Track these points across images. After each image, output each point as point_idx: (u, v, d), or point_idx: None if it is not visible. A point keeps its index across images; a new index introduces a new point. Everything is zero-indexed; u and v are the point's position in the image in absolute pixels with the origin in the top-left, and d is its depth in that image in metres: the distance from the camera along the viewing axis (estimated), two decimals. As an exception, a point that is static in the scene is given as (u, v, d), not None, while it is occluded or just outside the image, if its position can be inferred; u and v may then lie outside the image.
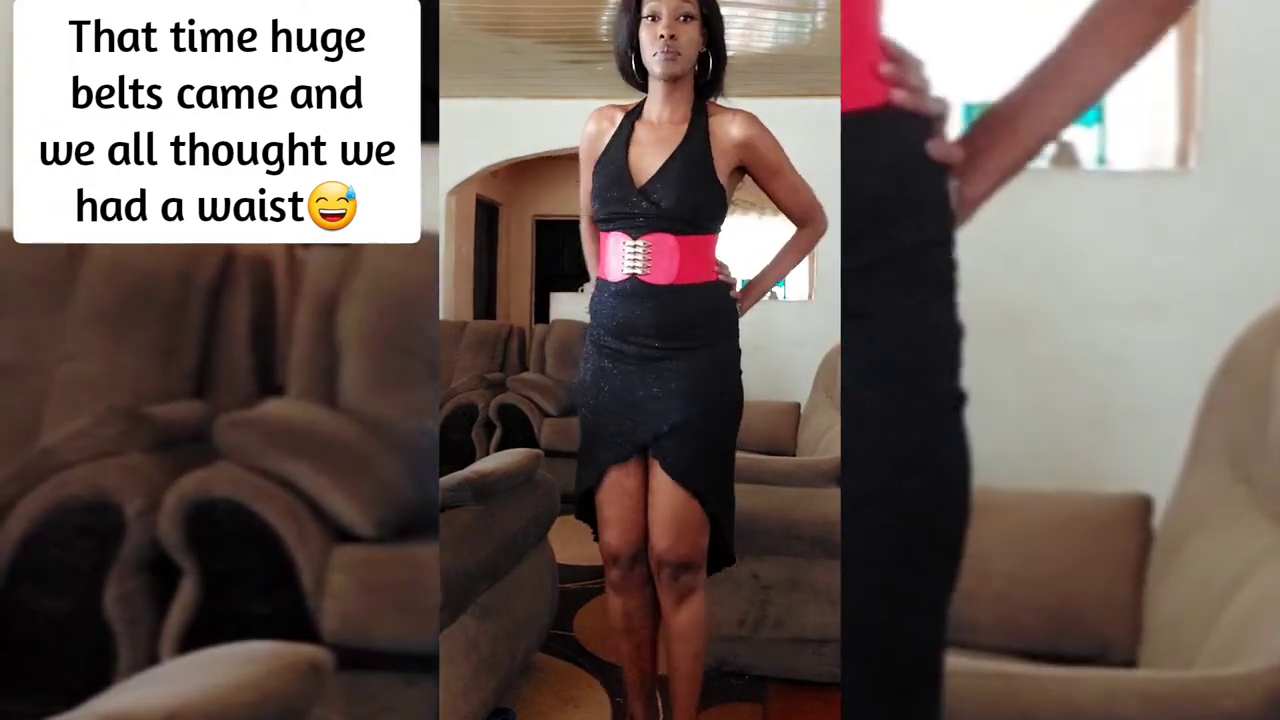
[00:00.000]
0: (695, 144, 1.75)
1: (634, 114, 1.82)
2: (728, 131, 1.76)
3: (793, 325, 5.43)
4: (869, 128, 0.81)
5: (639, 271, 1.74)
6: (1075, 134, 2.81)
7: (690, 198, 1.74)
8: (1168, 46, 2.74)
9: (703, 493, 1.79)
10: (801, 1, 4.22)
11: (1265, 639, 1.20)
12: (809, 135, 5.31)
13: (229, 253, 2.40)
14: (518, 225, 8.84)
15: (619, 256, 1.76)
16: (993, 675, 1.05)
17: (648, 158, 1.77)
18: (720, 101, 1.84)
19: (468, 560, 1.97)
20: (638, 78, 1.81)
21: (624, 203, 1.75)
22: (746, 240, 8.05)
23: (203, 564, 1.86)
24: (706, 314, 1.79)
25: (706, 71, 1.80)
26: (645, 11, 1.72)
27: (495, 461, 2.34)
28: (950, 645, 1.71)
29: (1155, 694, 1.03)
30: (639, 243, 1.74)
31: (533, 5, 4.30)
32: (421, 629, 1.80)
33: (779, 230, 7.61)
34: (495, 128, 5.96)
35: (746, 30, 4.53)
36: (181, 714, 0.88)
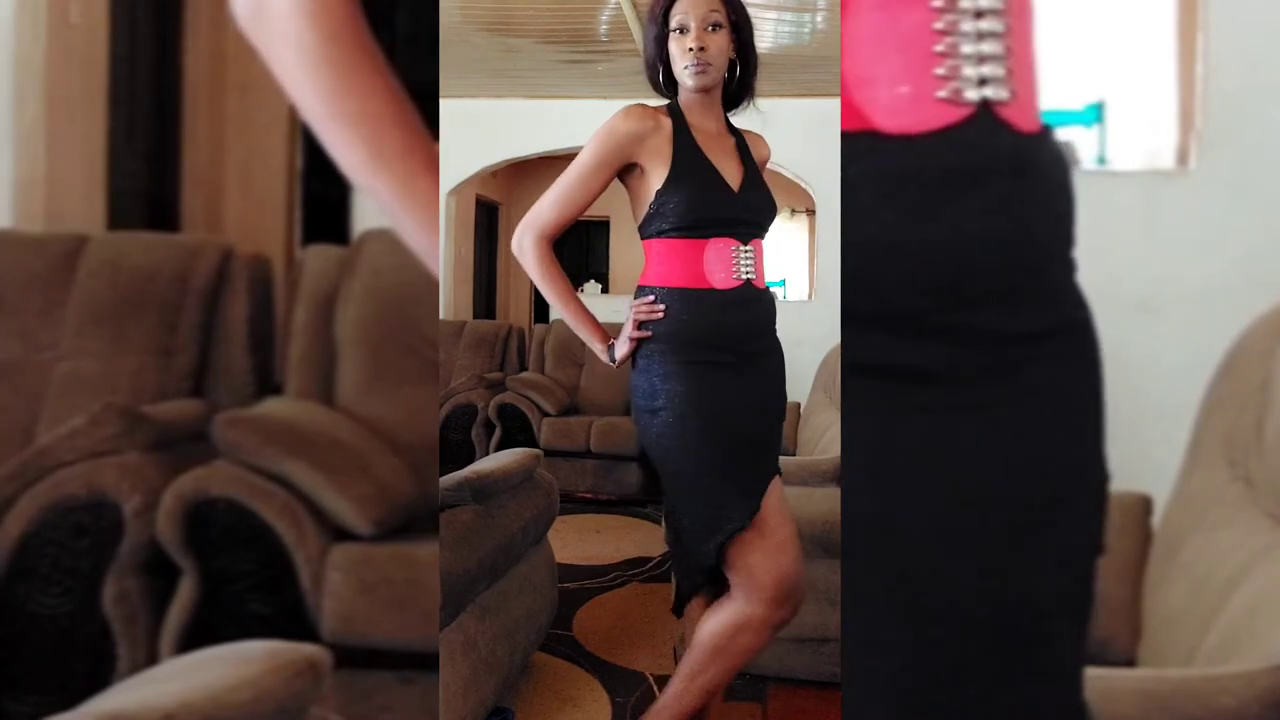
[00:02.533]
0: (750, 156, 1.76)
1: (680, 123, 1.71)
2: (758, 150, 1.78)
3: (793, 325, 5.43)
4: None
5: (753, 276, 1.69)
6: (1075, 134, 2.81)
7: (771, 207, 1.76)
8: (1168, 47, 2.74)
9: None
10: (801, 1, 4.22)
11: (1263, 637, 1.20)
12: (809, 135, 5.34)
13: (226, 252, 2.40)
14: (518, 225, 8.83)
15: (727, 262, 1.66)
16: (990, 674, 1.05)
17: (726, 166, 1.70)
18: (755, 105, 1.81)
19: (467, 560, 1.96)
20: (665, 89, 1.76)
21: (727, 208, 1.68)
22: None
23: (201, 563, 1.86)
24: (772, 316, 1.78)
25: (734, 79, 1.75)
26: (673, 24, 1.69)
27: (494, 461, 2.34)
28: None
29: (1153, 692, 1.03)
30: (750, 248, 1.69)
31: (532, 5, 4.30)
32: (421, 628, 1.80)
33: (779, 230, 7.60)
34: (495, 128, 5.97)
35: (746, 30, 4.53)
36: (180, 713, 0.87)
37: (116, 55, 3.05)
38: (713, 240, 1.66)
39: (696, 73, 1.67)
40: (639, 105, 1.70)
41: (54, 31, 2.89)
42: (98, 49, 3.00)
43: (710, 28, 1.67)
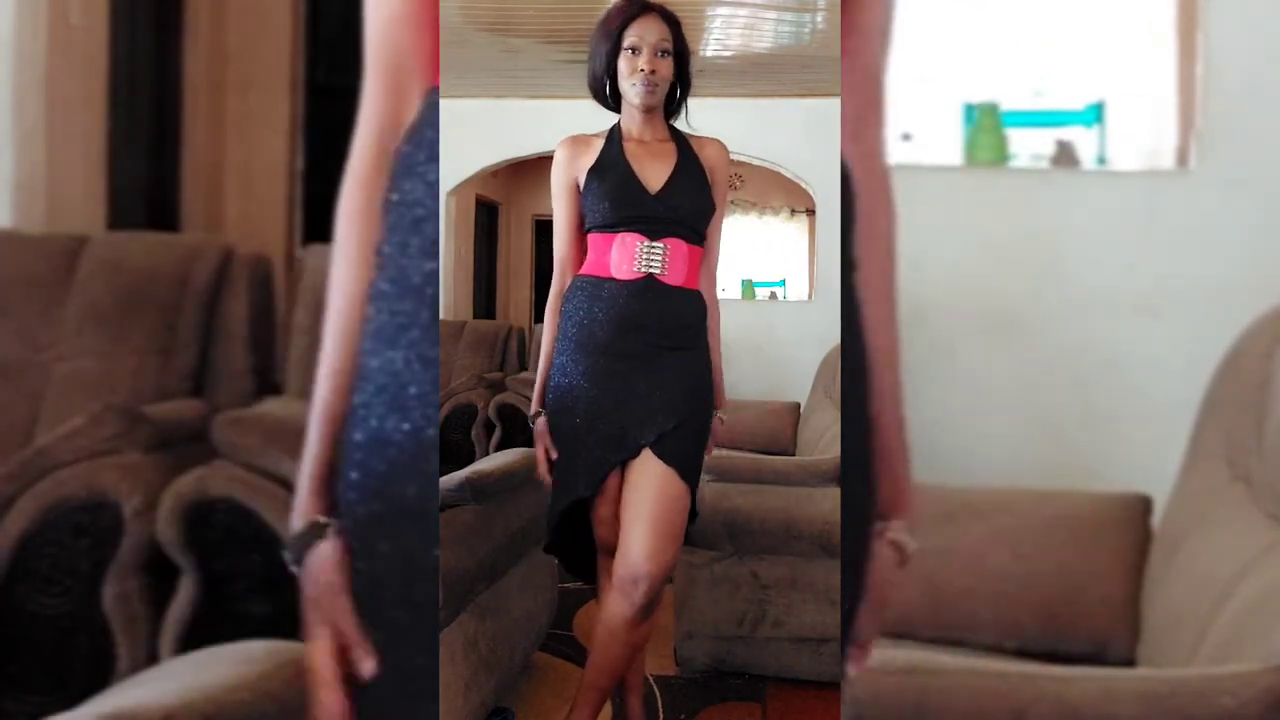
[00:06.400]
0: (691, 161, 1.86)
1: (614, 136, 1.88)
2: (704, 153, 1.88)
3: (793, 325, 5.43)
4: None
5: (657, 271, 1.81)
6: (1075, 134, 2.81)
7: (701, 208, 1.86)
8: (1168, 47, 2.74)
9: (693, 487, 1.82)
10: (801, 1, 4.22)
11: (1263, 637, 1.20)
12: (809, 135, 5.35)
13: (226, 252, 2.40)
14: (518, 225, 8.84)
15: (631, 256, 1.80)
16: (989, 674, 1.05)
17: (650, 169, 1.83)
18: (684, 127, 1.95)
19: (467, 560, 1.97)
20: (610, 101, 1.89)
21: (639, 206, 1.81)
22: (746, 240, 8.06)
23: (201, 563, 1.86)
24: (699, 317, 1.89)
25: (672, 100, 1.90)
26: (626, 43, 1.81)
27: (494, 461, 2.34)
28: (948, 644, 1.71)
29: (1153, 693, 1.03)
30: (658, 244, 1.81)
31: (532, 5, 4.30)
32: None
33: (779, 230, 7.63)
34: (495, 128, 5.96)
35: (746, 30, 4.53)
36: (180, 713, 0.87)
37: (116, 55, 3.05)
38: (621, 235, 1.82)
39: (646, 91, 1.81)
40: (572, 136, 1.92)
41: (54, 31, 2.88)
42: (98, 49, 2.99)
43: (660, 53, 1.81)
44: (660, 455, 1.76)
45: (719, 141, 1.91)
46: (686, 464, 1.79)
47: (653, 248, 1.81)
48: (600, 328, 1.81)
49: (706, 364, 1.89)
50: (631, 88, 1.81)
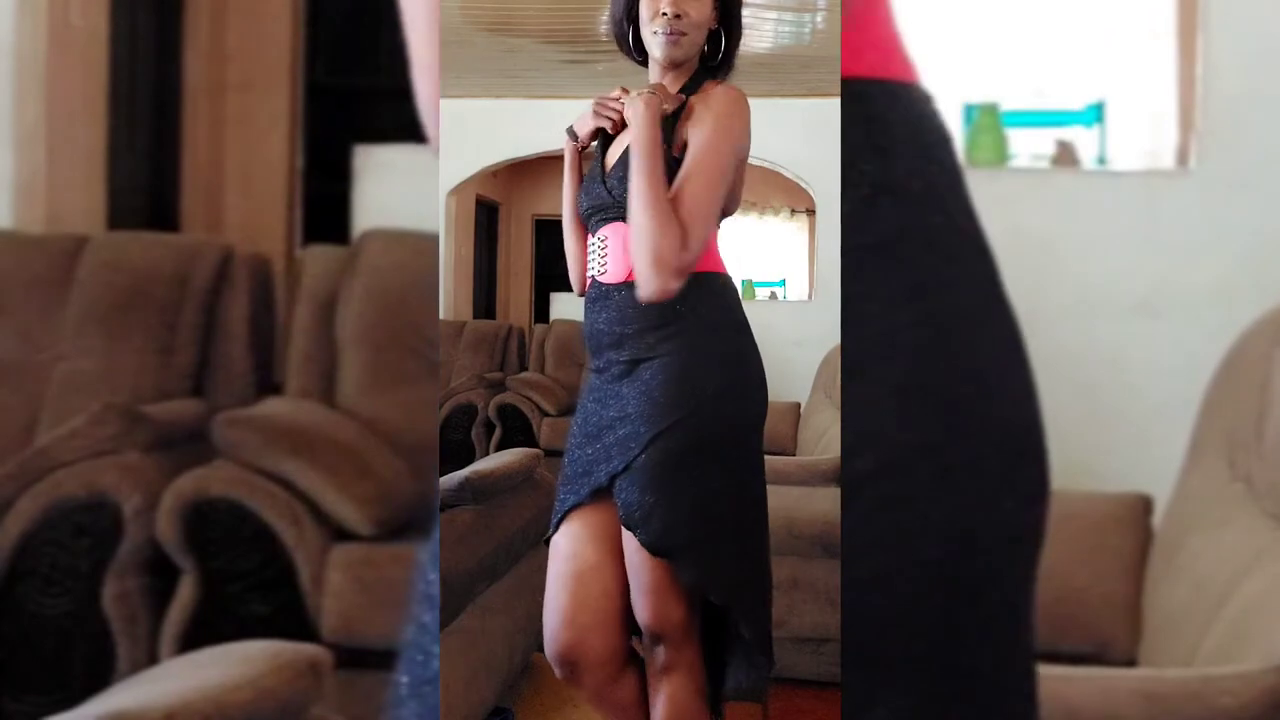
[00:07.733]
0: (665, 122, 1.42)
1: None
2: (706, 107, 1.41)
3: (793, 325, 5.43)
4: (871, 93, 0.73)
5: (596, 271, 1.45)
6: (1075, 134, 2.81)
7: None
8: (1168, 47, 2.74)
9: (672, 550, 1.36)
10: (801, 1, 4.22)
11: (1264, 637, 1.20)
12: (809, 135, 5.34)
13: (226, 252, 2.40)
14: (518, 225, 8.84)
15: (590, 260, 1.49)
16: (990, 674, 1.05)
17: (621, 144, 1.47)
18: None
19: (467, 560, 1.96)
20: (636, 54, 1.51)
21: (593, 195, 1.47)
22: (746, 240, 8.06)
23: (201, 563, 1.86)
24: (656, 315, 1.38)
25: (717, 52, 1.49)
26: None
27: (495, 461, 2.34)
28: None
29: (1154, 693, 1.03)
30: (595, 238, 1.46)
31: (533, 5, 4.30)
32: (420, 628, 1.80)
33: (779, 230, 7.61)
34: (495, 128, 5.97)
35: (746, 30, 4.52)
36: (181, 713, 0.88)
37: (117, 56, 3.05)
38: (586, 238, 1.50)
39: (668, 42, 1.40)
40: None
41: (54, 33, 2.88)
42: (98, 50, 3.00)
43: None
44: (617, 507, 1.41)
45: (732, 90, 1.45)
46: (643, 522, 1.36)
47: (594, 243, 1.45)
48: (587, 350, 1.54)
49: (692, 367, 1.39)
50: (653, 36, 1.41)
